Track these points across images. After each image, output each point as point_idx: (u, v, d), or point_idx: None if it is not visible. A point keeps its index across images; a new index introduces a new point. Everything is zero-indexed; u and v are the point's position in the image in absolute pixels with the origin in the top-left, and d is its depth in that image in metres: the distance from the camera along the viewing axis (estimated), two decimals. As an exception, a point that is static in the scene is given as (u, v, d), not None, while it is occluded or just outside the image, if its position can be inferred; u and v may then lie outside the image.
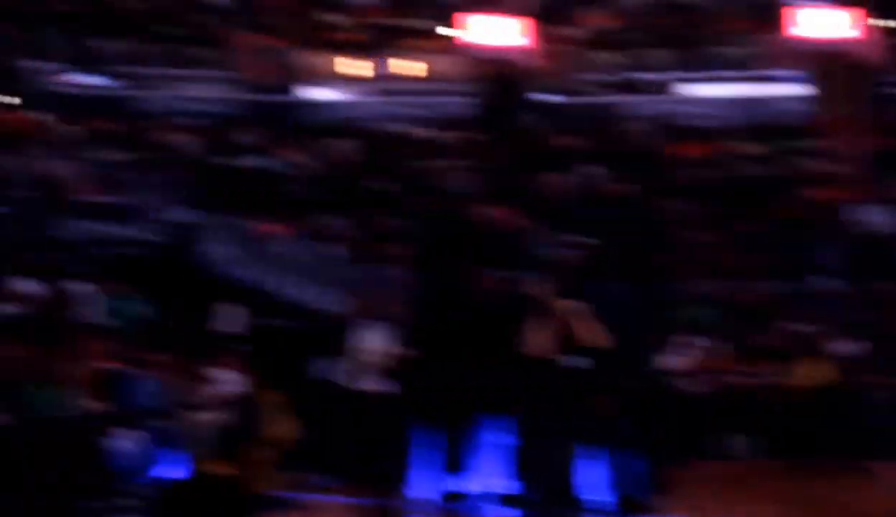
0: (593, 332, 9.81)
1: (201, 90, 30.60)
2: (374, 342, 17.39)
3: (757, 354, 19.53)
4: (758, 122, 30.55)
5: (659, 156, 29.39)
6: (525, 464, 10.02)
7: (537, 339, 9.74)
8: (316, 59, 30.70)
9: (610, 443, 9.98)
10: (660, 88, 32.29)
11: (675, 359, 18.26)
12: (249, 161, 26.94)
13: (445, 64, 32.14)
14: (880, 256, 24.17)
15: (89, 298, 18.40)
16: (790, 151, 29.57)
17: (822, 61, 31.51)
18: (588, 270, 10.29)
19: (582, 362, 9.85)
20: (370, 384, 16.87)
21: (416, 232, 21.93)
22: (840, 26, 31.31)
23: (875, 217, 26.48)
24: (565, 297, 9.87)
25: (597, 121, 30.61)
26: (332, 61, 31.07)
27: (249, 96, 30.93)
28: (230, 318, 19.78)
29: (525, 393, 10.06)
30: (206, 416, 14.66)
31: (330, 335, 18.64)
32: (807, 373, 17.62)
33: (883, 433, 16.98)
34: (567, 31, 33.56)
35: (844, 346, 19.02)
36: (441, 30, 32.77)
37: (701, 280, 22.31)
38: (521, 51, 31.95)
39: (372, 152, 28.64)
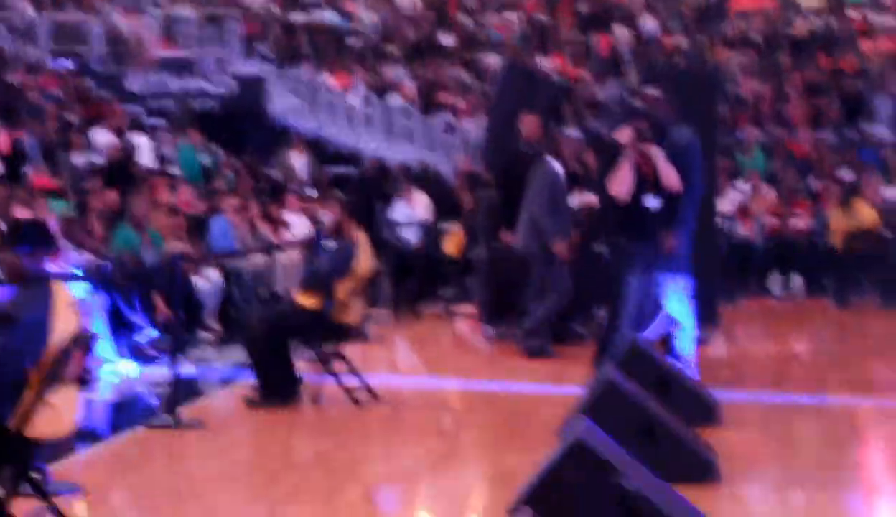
0: (671, 175, 10.39)
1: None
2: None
3: (803, 199, 19.99)
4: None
5: (718, 8, 29.52)
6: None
7: (625, 180, 10.34)
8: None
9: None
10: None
11: (727, 203, 18.88)
12: (314, 14, 27.29)
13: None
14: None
15: (162, 148, 18.94)
16: (850, 4, 29.54)
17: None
18: (660, 119, 10.76)
19: (658, 202, 10.45)
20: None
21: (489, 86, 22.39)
22: None
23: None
24: (644, 142, 10.40)
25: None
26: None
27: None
28: (297, 166, 20.37)
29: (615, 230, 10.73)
30: (285, 256, 15.42)
31: (389, 182, 19.40)
32: (850, 218, 18.11)
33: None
34: None
35: (890, 193, 19.43)
36: None
37: (752, 127, 22.66)
38: None
39: (435, 5, 28.84)
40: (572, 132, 17.26)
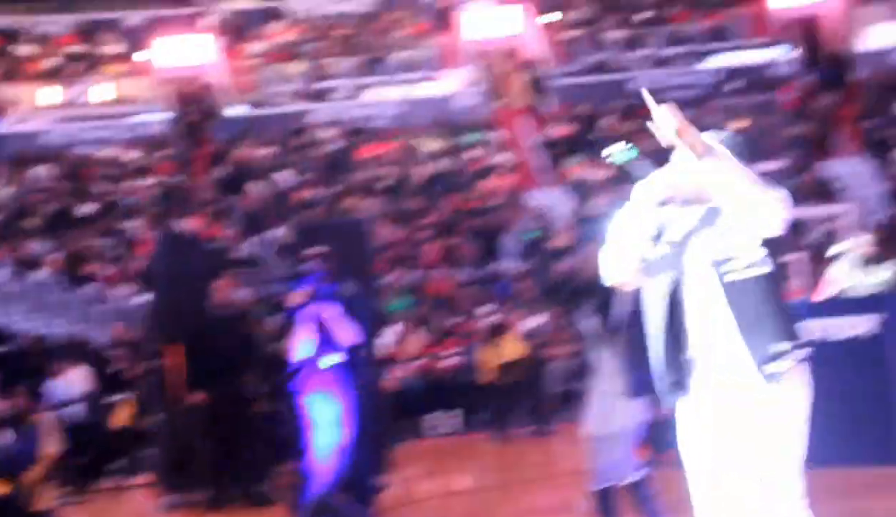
0: (347, 331, 10.72)
1: None
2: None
3: (452, 337, 20.92)
4: (437, 120, 31.84)
5: (348, 158, 30.58)
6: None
7: (299, 343, 10.55)
8: (10, 91, 30.80)
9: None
10: (344, 95, 33.48)
11: (382, 348, 19.65)
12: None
13: (137, 86, 32.79)
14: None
15: None
16: (468, 145, 31.04)
17: (492, 58, 33.40)
18: (327, 275, 11.19)
19: (338, 360, 10.75)
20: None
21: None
22: (507, 23, 33.30)
23: (551, 200, 28.38)
24: (319, 302, 10.67)
25: (287, 130, 31.61)
26: (26, 92, 31.22)
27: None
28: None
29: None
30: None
31: (46, 358, 19.26)
32: (498, 351, 19.12)
33: (565, 397, 18.49)
34: (253, 46, 34.60)
35: (530, 322, 20.54)
36: (132, 53, 33.44)
37: (393, 271, 23.54)
38: (209, 68, 32.88)
39: (71, 177, 28.95)
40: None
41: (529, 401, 18.01)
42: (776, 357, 5.12)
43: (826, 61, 32.63)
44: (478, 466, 16.84)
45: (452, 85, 33.33)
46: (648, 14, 34.59)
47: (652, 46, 33.97)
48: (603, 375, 7.82)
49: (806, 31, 33.52)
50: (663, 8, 34.70)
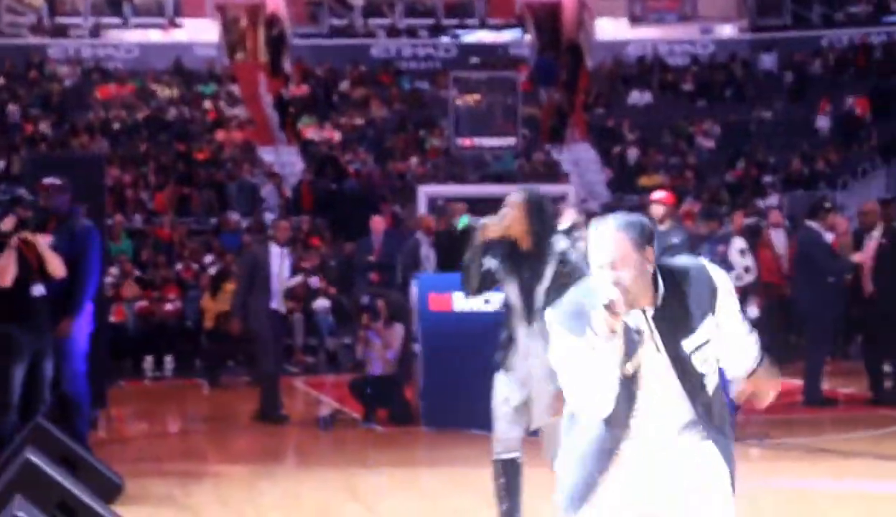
0: (55, 263, 10.68)
1: None
2: None
3: (174, 283, 21.00)
4: (175, 67, 31.72)
5: (82, 97, 30.20)
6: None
7: (7, 269, 10.40)
8: None
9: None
10: (83, 32, 32.99)
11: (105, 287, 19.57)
12: None
13: None
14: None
15: None
16: (204, 95, 31.03)
17: (234, 11, 33.39)
18: (57, 207, 11.20)
19: (43, 290, 10.69)
20: None
21: None
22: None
23: (282, 158, 28.61)
24: (28, 230, 10.56)
25: (22, 63, 31.08)
26: None
27: None
28: None
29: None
30: None
31: None
32: (218, 301, 19.22)
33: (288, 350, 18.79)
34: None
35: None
36: None
37: (118, 214, 23.42)
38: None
39: None
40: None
41: (244, 351, 18.19)
42: None
43: (560, 48, 33.66)
44: (189, 411, 17.06)
45: (193, 33, 33.20)
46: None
47: (393, 16, 34.45)
48: (517, 353, 7.90)
49: (545, 16, 34.48)
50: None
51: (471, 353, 11.74)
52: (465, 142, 25.68)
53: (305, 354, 20.50)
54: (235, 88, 31.53)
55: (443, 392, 13.23)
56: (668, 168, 29.28)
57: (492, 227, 7.84)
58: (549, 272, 7.83)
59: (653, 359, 5.06)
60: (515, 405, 7.87)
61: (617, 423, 5.09)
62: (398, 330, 14.44)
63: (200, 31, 33.24)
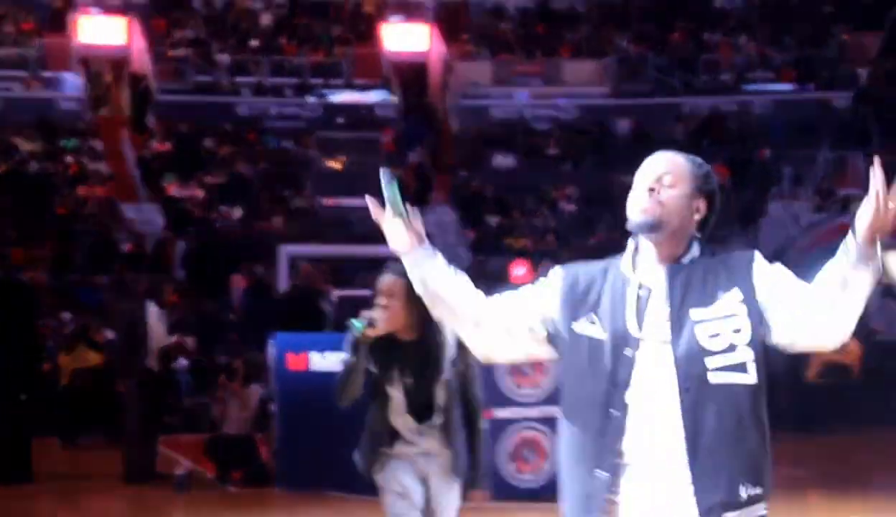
0: None
1: None
2: None
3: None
4: (38, 120, 31.31)
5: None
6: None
7: None
8: None
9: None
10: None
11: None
12: None
13: None
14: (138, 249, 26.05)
15: None
16: (66, 150, 30.68)
17: (98, 65, 33.18)
18: None
19: None
20: None
21: None
22: (116, 33, 33.10)
23: (143, 215, 28.41)
24: None
25: None
26: None
27: None
28: None
29: None
30: None
31: None
32: (74, 358, 19.01)
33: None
34: None
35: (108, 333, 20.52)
36: None
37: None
38: None
39: None
40: None
41: (101, 409, 17.96)
42: None
43: (423, 109, 33.90)
44: (44, 470, 16.77)
45: (56, 87, 32.89)
46: (257, 42, 35.04)
47: (259, 74, 34.42)
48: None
49: (411, 77, 34.70)
50: (274, 37, 35.20)
51: (327, 413, 11.71)
52: (329, 201, 25.71)
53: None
54: (98, 143, 31.23)
55: (298, 452, 13.19)
56: (532, 230, 29.54)
57: (377, 324, 6.69)
58: (445, 361, 6.74)
59: (655, 329, 4.25)
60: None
61: (599, 453, 4.19)
62: (254, 389, 14.40)
63: (63, 85, 32.92)
